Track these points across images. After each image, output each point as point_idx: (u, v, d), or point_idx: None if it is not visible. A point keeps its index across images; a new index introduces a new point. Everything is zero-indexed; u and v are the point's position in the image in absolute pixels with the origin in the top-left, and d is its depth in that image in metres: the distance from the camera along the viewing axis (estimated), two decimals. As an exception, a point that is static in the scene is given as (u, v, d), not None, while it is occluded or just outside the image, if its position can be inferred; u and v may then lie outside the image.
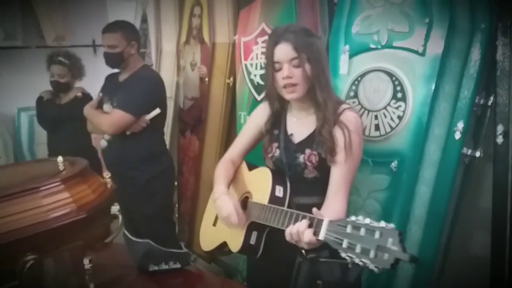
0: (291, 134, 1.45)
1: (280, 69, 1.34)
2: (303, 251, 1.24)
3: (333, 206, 1.30)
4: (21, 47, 3.62)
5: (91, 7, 4.08)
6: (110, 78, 2.54)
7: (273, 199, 1.35)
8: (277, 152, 1.45)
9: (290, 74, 1.32)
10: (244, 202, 1.47)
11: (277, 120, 1.50)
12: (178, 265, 1.24)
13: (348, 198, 1.35)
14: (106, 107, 2.40)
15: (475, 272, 1.62)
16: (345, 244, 0.99)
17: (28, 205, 1.47)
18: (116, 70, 2.50)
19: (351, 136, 1.32)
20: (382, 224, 0.94)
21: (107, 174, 1.88)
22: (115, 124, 2.27)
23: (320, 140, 1.35)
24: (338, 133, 1.33)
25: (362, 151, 1.39)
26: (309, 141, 1.40)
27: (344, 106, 1.39)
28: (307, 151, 1.38)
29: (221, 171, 1.53)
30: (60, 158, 1.75)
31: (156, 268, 1.22)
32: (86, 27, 4.07)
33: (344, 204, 1.32)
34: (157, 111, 2.34)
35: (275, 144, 1.46)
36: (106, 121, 2.30)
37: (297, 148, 1.41)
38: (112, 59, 2.36)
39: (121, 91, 2.34)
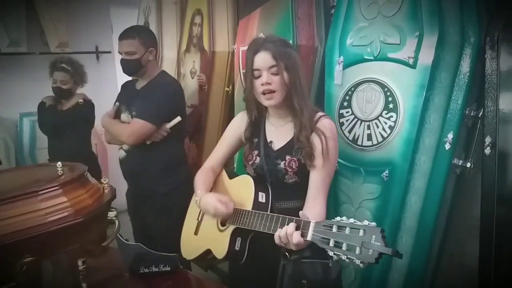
0: (271, 142, 1.50)
1: (259, 76, 1.41)
2: (286, 253, 1.30)
3: (313, 209, 1.36)
4: (25, 53, 3.66)
5: (94, 14, 4.13)
6: (127, 86, 2.43)
7: (257, 205, 1.39)
8: (257, 160, 1.50)
9: (269, 81, 1.39)
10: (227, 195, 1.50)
11: (256, 128, 1.55)
12: (168, 268, 1.27)
13: (326, 201, 1.41)
14: (124, 116, 2.28)
15: (466, 281, 1.64)
16: (331, 243, 1.07)
17: (27, 208, 1.52)
18: (129, 78, 2.42)
19: (327, 141, 1.38)
20: (365, 223, 1.03)
21: (105, 180, 1.91)
22: (135, 134, 2.15)
23: (299, 146, 1.42)
24: (315, 139, 1.40)
25: (338, 156, 1.47)
26: (288, 148, 1.46)
27: (320, 113, 1.46)
28: (287, 157, 1.44)
29: (200, 179, 1.59)
30: (59, 163, 1.79)
31: (146, 270, 1.25)
32: (90, 34, 4.13)
33: (323, 206, 1.39)
34: (178, 119, 2.24)
35: (255, 152, 1.52)
36: (126, 131, 2.18)
37: (277, 155, 1.47)
38: (130, 66, 2.24)
39: (140, 99, 2.23)
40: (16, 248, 1.41)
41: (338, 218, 1.08)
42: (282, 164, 1.44)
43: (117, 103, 2.38)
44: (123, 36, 2.22)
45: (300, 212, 1.23)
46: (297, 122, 1.43)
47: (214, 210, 1.42)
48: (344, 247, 1.03)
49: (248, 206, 1.39)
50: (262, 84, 1.40)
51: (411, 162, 1.58)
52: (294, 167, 1.43)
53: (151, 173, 2.25)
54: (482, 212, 1.49)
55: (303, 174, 1.43)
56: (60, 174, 1.74)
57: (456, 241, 1.72)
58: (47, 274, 1.45)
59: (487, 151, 1.45)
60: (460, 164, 1.56)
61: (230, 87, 2.56)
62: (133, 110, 2.23)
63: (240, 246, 1.42)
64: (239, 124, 1.60)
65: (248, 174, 1.53)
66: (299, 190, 1.43)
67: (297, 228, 1.20)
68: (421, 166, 1.58)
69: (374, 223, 1.02)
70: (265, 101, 1.43)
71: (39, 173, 1.91)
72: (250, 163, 1.52)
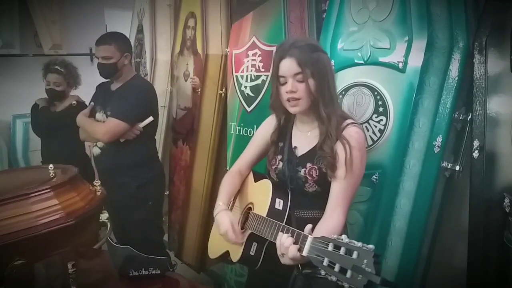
0: (295, 147, 1.46)
1: (284, 83, 1.36)
2: (299, 265, 1.26)
3: (330, 221, 1.30)
4: (19, 55, 3.67)
5: (88, 16, 4.14)
6: (102, 87, 2.58)
7: (272, 211, 1.36)
8: (280, 165, 1.47)
9: (294, 89, 1.34)
10: (247, 212, 1.49)
11: (283, 132, 1.51)
12: (157, 271, 1.27)
13: (347, 213, 1.35)
14: (99, 115, 2.44)
15: (456, 282, 1.66)
16: (325, 262, 1.01)
17: (18, 211, 1.51)
18: (106, 80, 2.54)
19: (352, 151, 1.32)
20: (360, 244, 0.96)
21: (97, 182, 1.91)
22: (110, 132, 2.31)
23: (321, 154, 1.36)
24: (339, 149, 1.34)
25: (364, 167, 1.39)
26: (311, 155, 1.41)
27: (348, 121, 1.39)
28: (308, 165, 1.39)
29: (225, 184, 1.56)
30: (51, 166, 1.79)
31: (136, 273, 1.25)
32: (84, 36, 4.13)
33: (342, 220, 1.32)
34: (150, 119, 2.40)
35: (279, 157, 1.48)
36: (101, 129, 2.34)
37: (299, 162, 1.42)
38: (106, 70, 2.40)
39: (115, 100, 2.38)
40: (7, 251, 1.40)
41: (335, 236, 1.03)
42: (302, 172, 1.40)
43: (92, 103, 2.53)
44: (100, 42, 2.39)
45: (308, 226, 1.17)
46: (323, 129, 1.37)
47: (223, 233, 1.41)
48: (336, 269, 0.97)
49: (264, 212, 1.37)
50: (287, 92, 1.35)
51: (401, 165, 1.59)
52: (314, 175, 1.38)
53: (124, 169, 2.41)
54: (470, 214, 1.50)
55: (324, 184, 1.37)
56: (52, 176, 1.73)
57: (445, 243, 1.73)
58: (38, 277, 1.45)
59: (475, 154, 1.46)
60: (449, 167, 1.57)
61: (223, 90, 2.57)
62: (108, 110, 2.38)
63: (256, 252, 1.39)
64: (268, 127, 1.56)
65: (271, 179, 1.50)
66: (320, 200, 1.37)
67: (296, 242, 1.15)
68: (411, 169, 1.59)
69: (371, 246, 0.95)
70: (290, 108, 1.39)
71: (30, 175, 1.90)
72: (273, 167, 1.49)
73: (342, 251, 0.98)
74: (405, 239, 1.62)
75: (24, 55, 3.69)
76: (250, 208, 1.50)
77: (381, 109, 1.63)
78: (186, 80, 2.94)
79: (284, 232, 1.21)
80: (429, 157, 1.56)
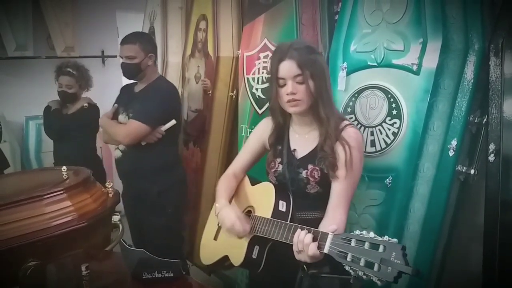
0: (294, 150, 1.47)
1: (284, 85, 1.37)
2: (304, 266, 1.25)
3: (332, 220, 1.31)
4: (32, 57, 3.70)
5: (100, 19, 4.16)
6: (126, 89, 2.54)
7: (276, 213, 1.36)
8: (280, 167, 1.47)
9: (294, 90, 1.35)
10: (247, 216, 1.48)
11: (280, 135, 1.52)
12: (170, 274, 1.27)
13: (348, 213, 1.36)
14: (122, 117, 2.39)
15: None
16: (349, 257, 1.02)
17: (32, 213, 1.53)
18: (131, 81, 2.50)
19: (352, 152, 1.34)
20: (386, 238, 0.98)
21: (109, 184, 1.92)
22: (131, 134, 2.25)
23: (322, 155, 1.37)
24: (339, 149, 1.35)
25: (363, 167, 1.41)
26: (311, 157, 1.42)
27: (346, 122, 1.41)
28: (310, 166, 1.40)
29: (223, 186, 1.56)
30: (64, 168, 1.80)
31: (149, 276, 1.25)
32: (96, 38, 4.16)
33: (343, 219, 1.33)
34: (172, 122, 2.34)
35: (278, 160, 1.49)
36: (122, 131, 2.29)
37: (300, 164, 1.43)
38: (129, 70, 2.35)
39: (137, 101, 2.34)
40: (21, 252, 1.42)
41: (357, 232, 1.04)
42: (304, 173, 1.41)
43: (116, 105, 2.48)
44: (125, 41, 2.34)
45: (321, 224, 1.19)
46: (322, 130, 1.39)
47: (230, 226, 1.40)
48: (362, 263, 0.99)
49: (268, 214, 1.37)
50: (287, 94, 1.36)
51: (415, 168, 1.58)
52: (316, 176, 1.39)
53: (145, 173, 2.35)
54: (486, 218, 1.48)
55: (326, 185, 1.38)
56: (65, 178, 1.75)
57: (460, 248, 1.70)
58: (51, 278, 1.47)
59: (491, 158, 1.44)
60: (464, 171, 1.55)
61: (234, 92, 2.57)
62: (130, 112, 2.33)
63: (258, 255, 1.39)
64: (263, 130, 1.57)
65: (270, 181, 1.50)
66: (322, 201, 1.38)
67: (314, 240, 1.16)
68: (425, 173, 1.57)
69: (395, 240, 0.97)
70: (290, 108, 1.39)
71: (44, 177, 1.92)
72: (272, 170, 1.49)
73: (366, 245, 1.00)
74: (419, 243, 1.60)
75: (37, 57, 3.72)
76: (250, 212, 1.50)
77: (394, 112, 1.62)
78: (197, 82, 2.95)
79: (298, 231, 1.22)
80: (444, 161, 1.54)
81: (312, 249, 1.15)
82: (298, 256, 1.21)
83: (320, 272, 1.25)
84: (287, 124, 1.52)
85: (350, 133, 1.37)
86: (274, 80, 1.39)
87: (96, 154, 3.20)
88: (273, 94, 1.42)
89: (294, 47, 1.36)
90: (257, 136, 1.60)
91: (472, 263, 1.67)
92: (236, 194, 1.59)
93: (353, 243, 1.03)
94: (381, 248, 0.96)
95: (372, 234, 1.01)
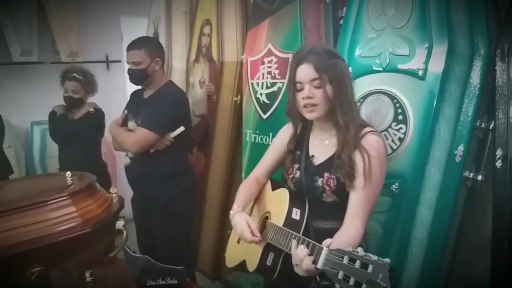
0: (312, 156, 1.43)
1: (301, 89, 1.34)
2: (317, 277, 1.21)
3: (348, 232, 1.27)
4: (36, 62, 3.71)
5: (105, 24, 4.17)
6: (135, 95, 2.50)
7: (289, 221, 1.33)
8: (297, 174, 1.44)
9: (311, 95, 1.32)
10: (264, 222, 1.47)
11: (300, 140, 1.49)
12: (174, 281, 1.26)
13: (366, 224, 1.32)
14: (131, 124, 2.35)
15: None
16: (340, 275, 0.99)
17: (36, 218, 1.51)
18: (140, 87, 2.45)
19: (371, 161, 1.28)
20: (376, 258, 0.94)
21: (113, 189, 1.92)
22: (139, 142, 2.21)
23: (339, 164, 1.33)
24: (357, 158, 1.30)
25: (384, 177, 1.35)
26: (328, 164, 1.38)
27: (367, 129, 1.35)
28: (326, 174, 1.37)
29: (242, 191, 1.55)
30: (68, 173, 1.80)
31: (153, 283, 1.24)
32: (100, 43, 4.17)
33: (360, 231, 1.28)
34: (181, 129, 2.30)
35: (296, 165, 1.46)
36: (130, 139, 2.25)
37: (317, 171, 1.39)
38: (136, 76, 2.31)
39: (146, 108, 2.30)
40: (25, 258, 1.41)
41: (350, 248, 1.00)
42: (319, 181, 1.37)
43: (126, 111, 2.44)
44: (131, 46, 2.31)
45: (327, 240, 1.13)
46: (340, 137, 1.34)
47: (240, 233, 1.40)
48: (351, 282, 0.96)
49: (280, 222, 1.34)
50: (304, 98, 1.34)
51: (421, 174, 1.57)
52: (332, 185, 1.35)
53: (154, 180, 2.31)
54: (493, 225, 1.46)
55: (343, 194, 1.33)
56: (69, 184, 1.74)
57: (467, 255, 1.69)
58: (55, 284, 1.46)
59: (498, 164, 1.43)
60: (471, 176, 1.54)
61: (239, 97, 2.56)
62: (138, 119, 2.29)
63: (272, 262, 1.37)
64: (285, 134, 1.54)
65: (288, 188, 1.47)
66: (339, 211, 1.33)
67: (311, 253, 1.13)
68: (431, 179, 1.56)
69: (387, 260, 0.93)
70: (307, 114, 1.36)
71: (48, 182, 1.91)
72: (290, 176, 1.46)
73: (357, 264, 0.96)
74: (426, 250, 1.59)
75: (42, 62, 3.73)
76: (267, 217, 1.48)
77: (400, 117, 1.61)
78: (201, 87, 2.95)
79: (300, 242, 1.19)
80: (450, 167, 1.53)
81: (307, 263, 1.11)
82: (295, 269, 1.18)
83: (332, 285, 1.22)
84: (307, 129, 1.49)
85: (370, 141, 1.31)
86: (292, 85, 1.37)
87: (101, 159, 3.20)
88: (290, 98, 1.40)
89: (313, 51, 1.34)
90: (279, 140, 1.57)
91: (480, 270, 1.65)
92: (257, 199, 1.58)
93: (345, 261, 0.99)
94: (370, 268, 0.93)
95: (362, 253, 0.97)
